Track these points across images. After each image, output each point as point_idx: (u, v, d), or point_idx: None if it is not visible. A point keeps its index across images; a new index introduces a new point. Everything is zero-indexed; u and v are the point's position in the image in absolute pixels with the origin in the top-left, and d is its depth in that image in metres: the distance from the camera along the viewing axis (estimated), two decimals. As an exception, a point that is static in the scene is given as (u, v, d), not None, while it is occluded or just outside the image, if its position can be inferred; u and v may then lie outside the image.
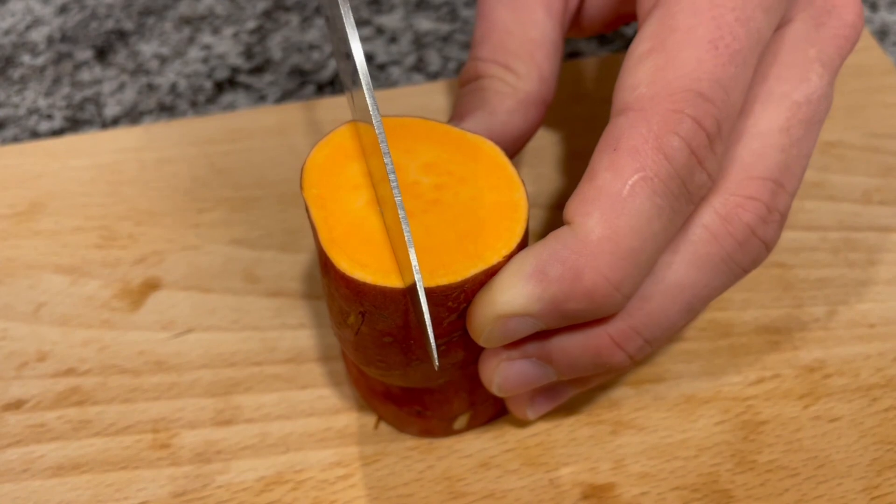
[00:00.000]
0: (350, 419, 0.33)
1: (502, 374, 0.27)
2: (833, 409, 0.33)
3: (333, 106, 0.42)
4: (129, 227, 0.38)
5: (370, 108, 0.25)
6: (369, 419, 0.33)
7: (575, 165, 0.40)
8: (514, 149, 0.31)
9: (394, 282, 0.25)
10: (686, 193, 0.25)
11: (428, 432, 0.32)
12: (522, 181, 0.27)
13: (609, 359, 0.27)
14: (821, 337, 0.35)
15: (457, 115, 0.31)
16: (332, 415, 0.33)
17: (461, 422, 0.32)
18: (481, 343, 0.26)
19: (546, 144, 0.41)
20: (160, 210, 0.39)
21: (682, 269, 0.27)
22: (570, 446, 0.32)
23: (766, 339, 0.35)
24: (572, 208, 0.25)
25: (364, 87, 0.26)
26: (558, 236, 0.25)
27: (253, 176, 0.40)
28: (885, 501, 0.31)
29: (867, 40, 0.45)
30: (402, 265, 0.25)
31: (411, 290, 0.24)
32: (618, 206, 0.24)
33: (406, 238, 0.24)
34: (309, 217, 0.27)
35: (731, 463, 0.32)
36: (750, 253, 0.27)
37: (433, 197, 0.26)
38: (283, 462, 0.32)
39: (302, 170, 0.27)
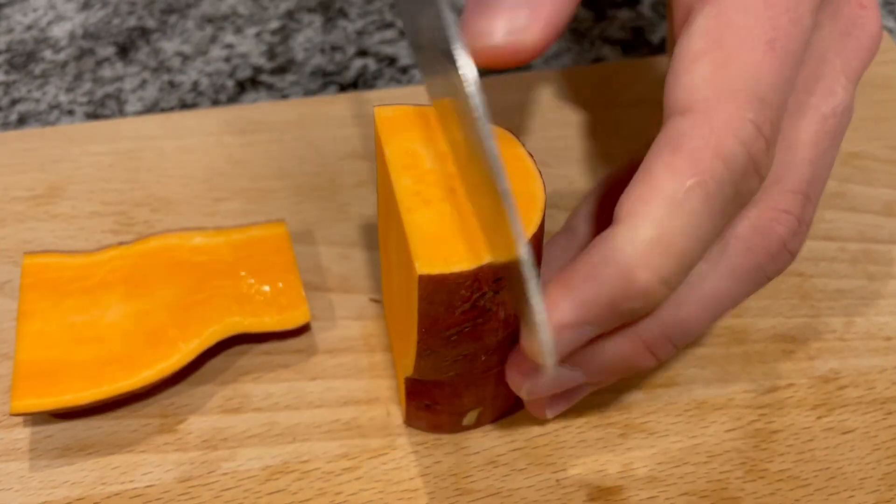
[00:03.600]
0: (358, 412, 0.33)
1: (535, 378, 0.27)
2: (847, 421, 0.33)
3: (354, 101, 0.42)
4: (145, 213, 0.38)
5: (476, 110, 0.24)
6: (377, 412, 0.33)
7: (597, 168, 0.40)
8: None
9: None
10: (738, 199, 0.25)
11: (437, 427, 0.32)
12: (540, 173, 0.27)
13: (640, 363, 0.28)
14: (837, 348, 0.34)
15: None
16: (340, 407, 0.33)
17: (470, 417, 0.32)
18: (548, 365, 0.24)
19: (568, 147, 0.41)
20: (177, 198, 0.39)
21: (715, 279, 0.27)
22: (579, 448, 0.32)
23: (781, 347, 0.34)
24: (627, 206, 0.25)
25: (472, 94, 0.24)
26: (607, 239, 0.25)
27: (270, 168, 0.40)
28: (898, 515, 0.30)
29: (895, 53, 0.44)
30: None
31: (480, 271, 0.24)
32: (673, 209, 0.24)
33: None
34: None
35: (741, 471, 0.31)
36: (778, 264, 0.28)
37: (451, 185, 0.26)
38: (289, 452, 0.32)
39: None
